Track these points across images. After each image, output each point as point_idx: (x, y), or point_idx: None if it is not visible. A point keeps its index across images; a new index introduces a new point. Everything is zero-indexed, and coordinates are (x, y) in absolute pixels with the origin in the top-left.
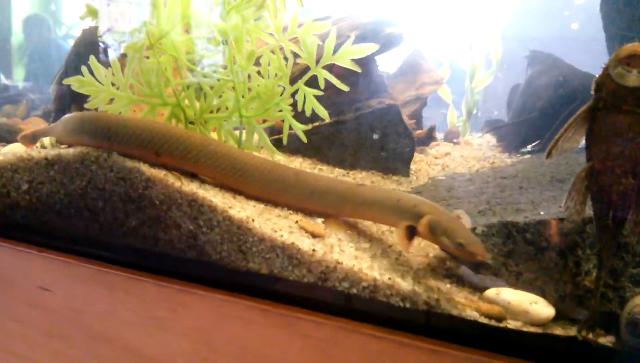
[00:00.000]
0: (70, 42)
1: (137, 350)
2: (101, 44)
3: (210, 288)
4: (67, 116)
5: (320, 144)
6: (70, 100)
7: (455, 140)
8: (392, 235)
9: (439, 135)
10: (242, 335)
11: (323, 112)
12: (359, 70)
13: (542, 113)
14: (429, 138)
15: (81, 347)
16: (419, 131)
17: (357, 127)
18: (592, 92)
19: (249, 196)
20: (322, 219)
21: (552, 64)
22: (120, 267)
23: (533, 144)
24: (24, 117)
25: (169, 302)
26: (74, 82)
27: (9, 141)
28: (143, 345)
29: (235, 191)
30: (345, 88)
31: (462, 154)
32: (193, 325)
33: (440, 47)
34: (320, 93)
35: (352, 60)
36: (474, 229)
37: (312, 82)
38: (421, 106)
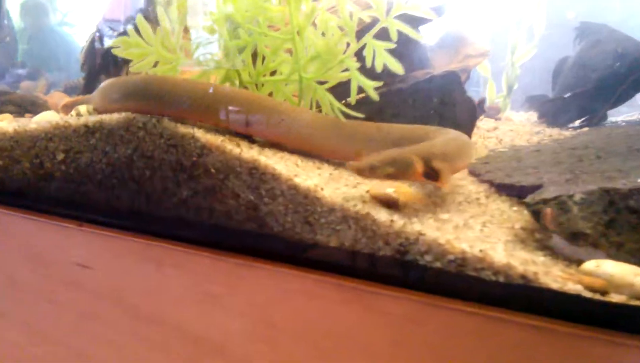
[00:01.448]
0: (66, 30)
1: (189, 331)
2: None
3: (272, 262)
4: (108, 81)
5: (372, 114)
6: (100, 69)
7: (496, 116)
8: (470, 205)
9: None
10: (307, 311)
11: (397, 66)
12: (435, 17)
13: (598, 86)
14: (480, 110)
15: (125, 330)
16: None
17: (412, 96)
18: None
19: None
20: (394, 189)
21: (608, 35)
22: (171, 241)
23: (582, 119)
24: (45, 92)
25: (226, 277)
26: (119, 43)
27: (34, 114)
28: (196, 325)
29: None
30: (419, 37)
31: (510, 129)
32: (252, 301)
33: (480, 18)
34: (392, 46)
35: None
36: (570, 196)
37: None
38: (466, 79)
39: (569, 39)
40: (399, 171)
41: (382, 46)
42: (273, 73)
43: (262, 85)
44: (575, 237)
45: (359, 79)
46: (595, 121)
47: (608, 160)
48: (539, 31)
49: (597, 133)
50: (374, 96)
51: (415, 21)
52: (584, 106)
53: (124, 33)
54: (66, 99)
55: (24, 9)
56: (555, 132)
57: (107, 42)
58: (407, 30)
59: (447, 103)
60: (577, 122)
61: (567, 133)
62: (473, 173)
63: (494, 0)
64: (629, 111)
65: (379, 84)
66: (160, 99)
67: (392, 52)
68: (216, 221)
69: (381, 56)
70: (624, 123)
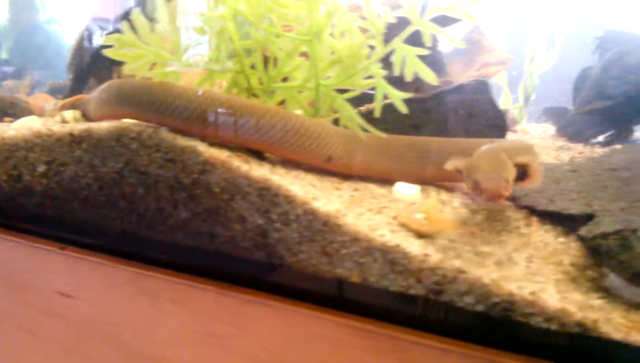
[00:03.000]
0: (54, 27)
1: None
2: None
3: (285, 299)
4: (107, 83)
5: (393, 125)
6: (89, 70)
7: (512, 128)
8: (511, 235)
9: None
10: (329, 360)
11: (430, 75)
12: (479, 22)
13: (626, 100)
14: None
15: None
16: None
17: (436, 106)
18: None
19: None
20: (424, 215)
21: (636, 46)
22: (166, 270)
23: (607, 134)
24: (28, 93)
25: (232, 315)
26: (113, 41)
27: (14, 117)
28: None
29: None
30: (462, 45)
31: (531, 143)
32: (263, 344)
33: (499, 25)
34: (425, 52)
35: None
36: (634, 230)
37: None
38: None
39: (591, 48)
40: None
41: (414, 51)
42: (285, 80)
43: (273, 92)
44: (636, 277)
45: (385, 88)
46: (622, 138)
47: None
48: (560, 39)
49: (634, 152)
50: (403, 108)
51: (439, 24)
52: (610, 120)
53: (114, 32)
54: (66, 100)
55: (11, 4)
56: (582, 148)
57: (97, 42)
58: (445, 35)
59: (474, 115)
60: (600, 138)
61: (599, 150)
62: (509, 196)
63: (512, 6)
64: None
65: (409, 95)
66: (172, 110)
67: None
68: (218, 248)
69: (412, 63)
70: None
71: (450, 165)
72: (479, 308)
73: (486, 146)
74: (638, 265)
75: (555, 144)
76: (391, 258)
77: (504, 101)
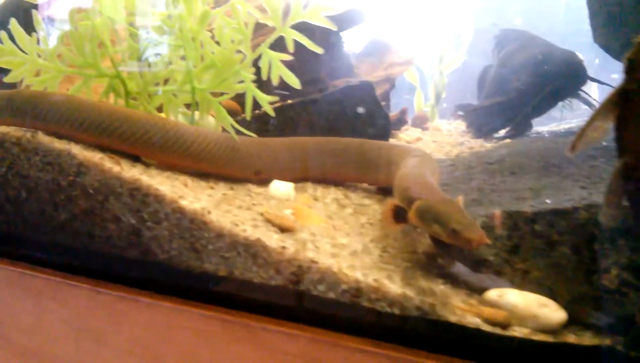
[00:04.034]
0: None
1: None
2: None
3: (156, 295)
4: None
5: (285, 126)
6: None
7: (423, 125)
8: (373, 227)
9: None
10: (197, 350)
11: (293, 80)
12: (334, 28)
13: (520, 94)
14: (400, 121)
15: None
16: (391, 114)
17: (326, 107)
18: (624, 73)
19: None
20: (292, 211)
21: (528, 41)
22: (49, 270)
23: (507, 129)
24: None
25: (108, 311)
26: None
27: None
28: None
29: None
30: (319, 50)
31: (434, 139)
32: (137, 338)
33: (408, 27)
34: (288, 57)
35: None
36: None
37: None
38: (390, 88)
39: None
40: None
41: (277, 57)
42: (167, 82)
43: (151, 96)
44: (477, 264)
45: (254, 92)
46: (520, 132)
47: (522, 177)
48: (466, 39)
49: (517, 146)
50: (271, 111)
51: (338, 27)
52: (505, 115)
53: None
54: None
55: None
56: (478, 143)
57: None
58: (305, 41)
59: (361, 114)
60: (502, 132)
61: (488, 145)
62: (381, 190)
63: (424, 8)
64: (569, 117)
65: (275, 98)
66: (39, 115)
67: (315, 59)
68: (97, 247)
69: (277, 68)
70: (547, 135)
71: (411, 213)
72: (331, 295)
73: (414, 168)
74: (478, 253)
75: (457, 140)
76: (253, 251)
77: (417, 100)
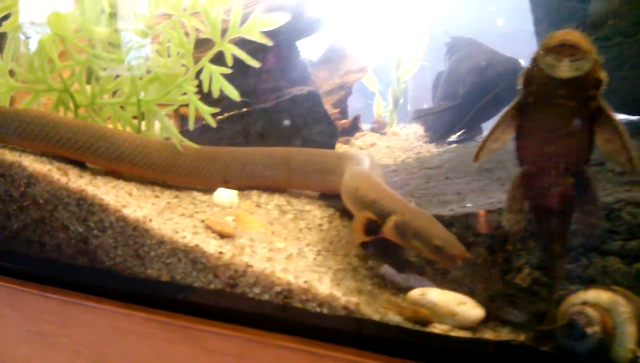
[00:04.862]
0: None
1: None
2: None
3: (102, 299)
4: None
5: (235, 135)
6: None
7: (382, 131)
8: (311, 231)
9: (365, 126)
10: (139, 352)
11: (232, 92)
12: (269, 43)
13: (465, 100)
14: (354, 127)
15: None
16: (344, 121)
17: (275, 115)
18: (520, 86)
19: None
20: (233, 217)
21: (475, 49)
22: (3, 277)
23: (459, 133)
24: None
25: (57, 315)
26: None
27: None
28: None
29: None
30: (256, 64)
31: (388, 144)
32: (84, 340)
33: (366, 34)
34: (227, 71)
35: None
36: None
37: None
38: (346, 95)
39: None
40: None
41: (218, 70)
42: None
43: (100, 109)
44: (402, 265)
45: (196, 103)
46: (470, 136)
47: (454, 181)
48: (422, 46)
49: (461, 151)
50: (212, 122)
51: (294, 36)
52: (454, 120)
53: None
54: None
55: None
56: (430, 147)
57: None
58: (243, 56)
59: (308, 123)
60: (454, 136)
61: (435, 150)
62: (323, 196)
63: (383, 15)
64: None
65: (216, 110)
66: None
67: (274, 68)
68: (48, 255)
69: (217, 80)
70: None
71: (387, 228)
72: (265, 297)
73: (359, 170)
74: (400, 253)
75: (411, 145)
76: (192, 257)
77: (376, 105)
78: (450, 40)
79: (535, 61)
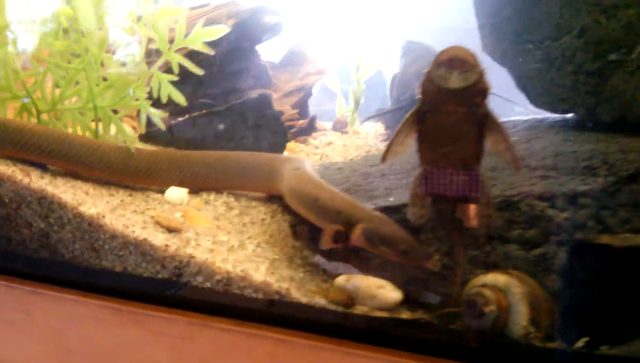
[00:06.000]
0: None
1: None
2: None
3: (61, 288)
4: None
5: (189, 138)
6: None
7: (343, 130)
8: (254, 225)
9: (327, 125)
10: (96, 335)
11: (179, 98)
12: (211, 52)
13: (411, 101)
14: (310, 127)
15: None
16: (301, 121)
17: (229, 118)
18: (419, 96)
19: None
20: (181, 213)
21: (423, 53)
22: None
23: None
24: None
25: (21, 304)
26: None
27: None
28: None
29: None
30: (199, 72)
31: (344, 143)
32: (46, 326)
33: (329, 37)
34: (175, 78)
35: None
36: None
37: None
38: (305, 96)
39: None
40: None
41: (166, 78)
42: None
43: (61, 114)
44: (329, 254)
45: (147, 108)
46: None
47: (389, 178)
48: (382, 49)
49: None
50: (162, 125)
51: (253, 39)
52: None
53: None
54: None
55: None
56: (380, 147)
57: None
58: (188, 64)
59: (259, 125)
60: None
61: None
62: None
63: (345, 18)
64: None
65: (165, 114)
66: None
67: (234, 70)
68: (14, 249)
69: (165, 87)
70: None
71: (355, 236)
72: (207, 284)
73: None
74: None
75: (368, 143)
76: (142, 250)
77: (338, 106)
78: (404, 44)
79: (429, 74)
